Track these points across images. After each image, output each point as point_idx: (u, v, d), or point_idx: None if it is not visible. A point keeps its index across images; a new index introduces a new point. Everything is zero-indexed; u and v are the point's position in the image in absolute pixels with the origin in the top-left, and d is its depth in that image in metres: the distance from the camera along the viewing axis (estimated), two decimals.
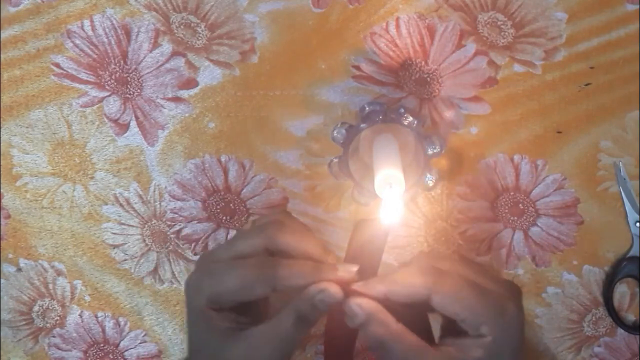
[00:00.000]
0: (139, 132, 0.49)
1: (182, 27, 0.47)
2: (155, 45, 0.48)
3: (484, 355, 0.40)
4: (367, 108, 0.46)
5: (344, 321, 0.41)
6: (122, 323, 0.53)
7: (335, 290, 0.40)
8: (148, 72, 0.48)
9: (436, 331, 0.44)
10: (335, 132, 0.44)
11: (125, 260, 0.52)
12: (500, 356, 0.40)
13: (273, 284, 0.41)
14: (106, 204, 0.51)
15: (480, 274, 0.44)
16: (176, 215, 0.51)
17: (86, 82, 0.49)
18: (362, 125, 0.43)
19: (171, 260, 0.52)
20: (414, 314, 0.42)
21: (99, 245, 0.52)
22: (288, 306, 0.41)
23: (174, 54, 0.48)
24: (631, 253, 0.49)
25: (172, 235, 0.51)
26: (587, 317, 0.50)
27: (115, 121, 0.49)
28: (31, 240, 0.52)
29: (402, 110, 0.44)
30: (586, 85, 0.47)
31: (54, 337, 0.54)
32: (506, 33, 0.46)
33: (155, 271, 0.52)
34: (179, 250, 0.51)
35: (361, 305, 0.40)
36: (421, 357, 0.40)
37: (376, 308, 0.40)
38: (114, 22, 0.47)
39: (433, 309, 0.41)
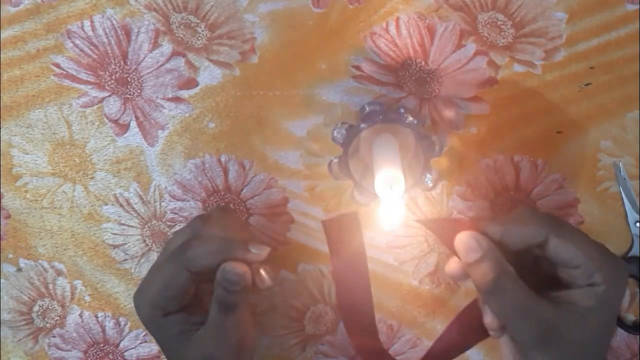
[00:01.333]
0: (139, 132, 0.49)
1: (182, 27, 0.47)
2: (155, 45, 0.48)
3: (595, 305, 0.38)
4: (367, 108, 0.46)
5: (356, 292, 0.41)
6: (122, 323, 0.53)
7: (233, 266, 0.40)
8: (148, 73, 0.48)
9: None
10: (335, 132, 0.44)
11: (126, 260, 0.52)
12: (609, 308, 0.39)
13: (186, 266, 0.42)
14: (106, 204, 0.51)
15: None
16: (176, 216, 0.51)
17: (86, 83, 0.49)
18: (362, 125, 0.43)
19: None
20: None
21: (99, 246, 0.52)
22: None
23: (174, 54, 0.48)
24: (631, 253, 0.49)
25: (172, 236, 0.51)
26: None
27: (115, 121, 0.49)
28: (31, 241, 0.52)
29: (402, 110, 0.44)
30: (586, 85, 0.47)
31: (54, 337, 0.54)
32: (506, 33, 0.46)
33: None
34: None
35: (479, 239, 0.39)
36: (533, 302, 0.38)
37: (493, 244, 0.39)
38: (114, 22, 0.47)
39: (544, 255, 0.40)
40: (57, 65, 0.48)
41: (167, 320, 0.43)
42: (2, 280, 0.53)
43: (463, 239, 0.39)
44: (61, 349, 0.54)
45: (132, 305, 0.52)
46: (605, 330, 0.40)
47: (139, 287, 0.45)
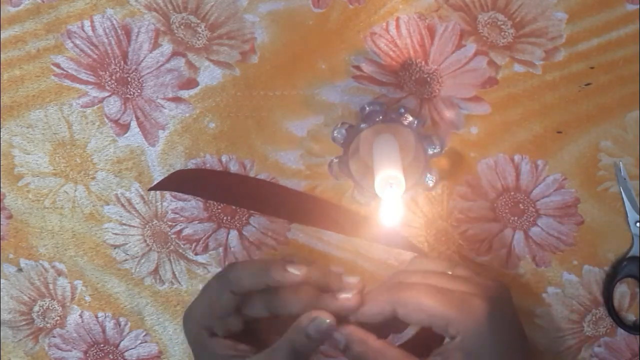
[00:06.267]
0: (140, 132, 0.49)
1: (182, 27, 0.47)
2: (156, 45, 0.48)
3: (463, 356, 0.39)
4: (367, 108, 0.46)
5: None
6: (122, 323, 0.53)
7: (326, 316, 0.41)
8: (148, 73, 0.48)
9: None
10: (335, 132, 0.44)
11: (126, 260, 0.52)
12: (479, 356, 0.40)
13: (228, 287, 0.43)
14: (108, 204, 0.51)
15: (454, 278, 0.43)
16: (177, 216, 0.51)
17: (86, 83, 0.49)
18: (362, 125, 0.43)
19: (172, 260, 0.52)
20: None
21: (100, 246, 0.52)
22: (282, 338, 0.42)
23: (174, 54, 0.48)
24: (631, 253, 0.49)
25: (173, 236, 0.51)
26: (587, 317, 0.50)
27: (116, 121, 0.49)
28: (32, 241, 0.52)
29: (402, 110, 0.44)
30: (586, 85, 0.47)
31: (54, 337, 0.54)
32: (506, 33, 0.46)
33: (156, 271, 0.52)
34: (180, 251, 0.51)
35: (340, 330, 0.41)
36: None
37: (353, 328, 0.41)
38: (114, 22, 0.47)
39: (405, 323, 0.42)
40: (57, 65, 0.48)
41: (212, 342, 0.44)
42: (2, 281, 0.53)
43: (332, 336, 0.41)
44: (61, 349, 0.54)
45: (132, 305, 0.53)
46: None
47: (189, 305, 0.46)
